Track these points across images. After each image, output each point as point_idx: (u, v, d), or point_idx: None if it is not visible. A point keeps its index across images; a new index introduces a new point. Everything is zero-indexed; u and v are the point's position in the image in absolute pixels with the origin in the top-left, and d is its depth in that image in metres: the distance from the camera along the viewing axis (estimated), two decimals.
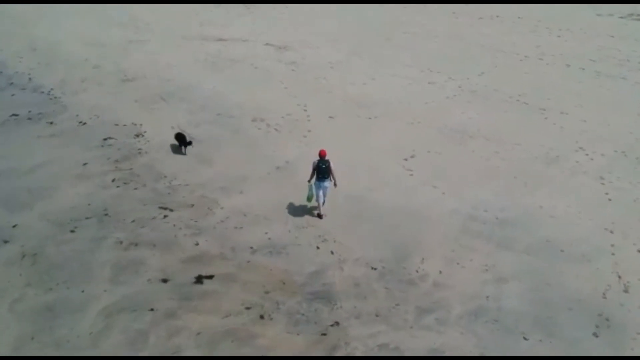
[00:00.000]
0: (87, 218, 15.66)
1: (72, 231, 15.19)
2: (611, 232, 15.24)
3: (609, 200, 16.56)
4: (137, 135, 20.20)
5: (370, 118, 21.45)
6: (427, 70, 25.68)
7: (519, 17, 32.35)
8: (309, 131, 20.52)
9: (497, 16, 32.67)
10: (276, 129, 20.65)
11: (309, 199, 16.00)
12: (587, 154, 18.85)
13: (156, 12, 33.89)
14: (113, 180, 17.46)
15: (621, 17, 32.26)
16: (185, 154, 19.15)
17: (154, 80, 24.64)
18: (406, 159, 18.72)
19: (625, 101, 22.47)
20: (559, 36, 29.49)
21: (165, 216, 15.93)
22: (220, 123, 21.11)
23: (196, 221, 15.68)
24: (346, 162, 18.24)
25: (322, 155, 15.50)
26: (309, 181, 15.79)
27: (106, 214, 15.87)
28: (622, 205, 16.31)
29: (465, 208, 16.24)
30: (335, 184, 15.73)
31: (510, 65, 26.17)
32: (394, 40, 29.45)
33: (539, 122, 20.97)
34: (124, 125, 20.87)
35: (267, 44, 29.07)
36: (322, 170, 15.47)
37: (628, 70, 25.18)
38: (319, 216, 15.98)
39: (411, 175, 17.89)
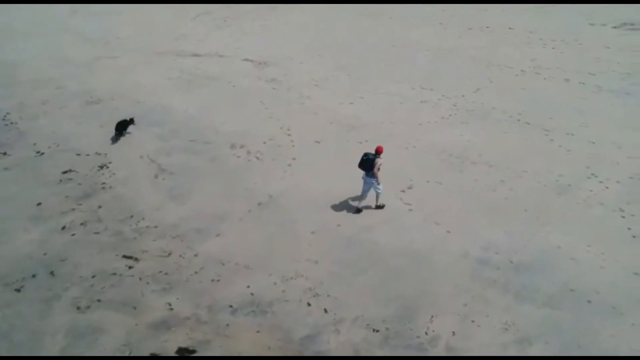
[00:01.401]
0: (34, 276, 13.20)
1: (17, 290, 12.73)
2: None
3: (633, 237, 14.53)
4: (102, 167, 17.81)
5: (360, 142, 19.23)
6: (418, 87, 23.56)
7: (509, 28, 30.42)
8: (294, 159, 18.27)
9: (487, 27, 30.71)
10: (257, 157, 18.37)
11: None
12: (600, 182, 16.83)
13: (129, 26, 31.36)
14: (71, 223, 15.01)
15: (615, 27, 30.48)
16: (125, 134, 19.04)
17: (123, 102, 22.21)
18: (404, 191, 16.57)
19: (633, 119, 20.53)
20: (553, 48, 27.58)
21: (130, 267, 13.60)
22: (195, 150, 18.77)
23: (166, 273, 13.38)
24: (337, 196, 16.07)
25: (379, 151, 15.27)
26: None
27: (61, 267, 13.43)
28: None
29: (474, 250, 14.11)
30: (378, 183, 15.39)
31: (506, 80, 24.15)
32: (382, 54, 27.31)
33: (544, 145, 18.93)
34: (87, 155, 18.47)
35: (245, 60, 26.76)
36: (362, 162, 15.24)
37: (630, 85, 23.28)
38: (358, 210, 15.68)
39: (410, 210, 15.72)
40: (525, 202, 15.92)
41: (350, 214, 15.54)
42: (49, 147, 18.85)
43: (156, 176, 17.33)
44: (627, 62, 25.67)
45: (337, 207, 15.87)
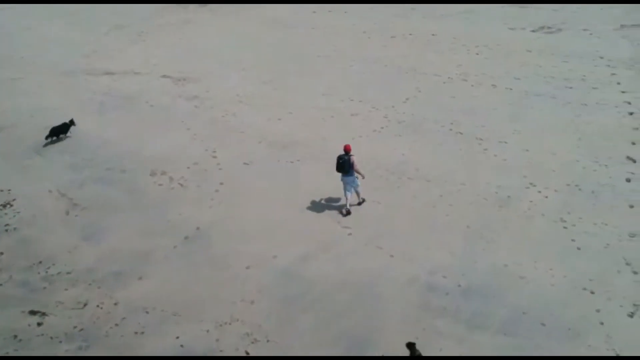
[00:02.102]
0: None
1: None
2: (592, 292, 12.66)
3: (578, 249, 14.02)
4: (4, 206, 15.82)
5: (292, 162, 18.06)
6: (347, 99, 22.61)
7: (432, 35, 30.09)
8: (222, 184, 16.86)
9: (410, 34, 30.27)
10: (181, 184, 16.83)
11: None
12: (539, 191, 16.35)
13: (35, 43, 28.82)
14: None
15: (533, 31, 30.75)
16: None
17: (27, 129, 20.06)
18: (341, 213, 15.47)
19: (562, 123, 20.35)
20: (477, 54, 27.38)
21: (39, 324, 11.83)
22: (111, 180, 17.03)
23: (82, 329, 11.68)
24: (271, 223, 14.80)
25: (347, 150, 15.31)
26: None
27: None
28: (594, 254, 13.81)
29: (421, 275, 13.20)
30: (362, 177, 15.66)
31: (435, 88, 23.59)
32: (308, 65, 26.25)
33: (480, 155, 18.37)
34: None
35: (164, 76, 25.02)
36: (339, 166, 15.19)
37: (555, 88, 23.24)
38: (348, 212, 15.53)
39: (350, 234, 14.65)
40: (467, 218, 15.18)
41: (286, 243, 14.28)
42: None
43: (67, 213, 15.50)
44: (548, 65, 25.74)
45: (272, 236, 14.59)
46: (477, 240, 14.33)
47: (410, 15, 33.74)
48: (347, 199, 15.59)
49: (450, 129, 20.04)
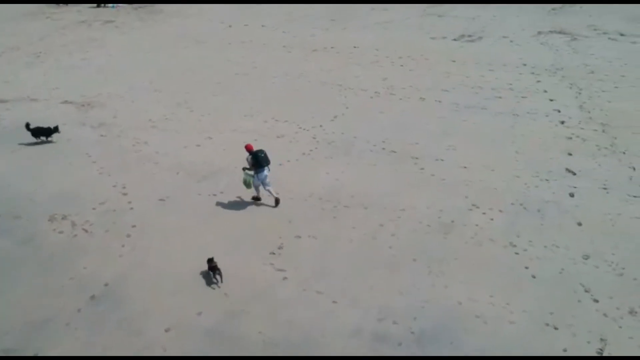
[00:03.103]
0: None
1: None
2: (555, 328, 11.42)
3: (533, 277, 12.82)
4: None
5: (215, 194, 16.04)
6: (271, 119, 20.83)
7: (354, 47, 28.88)
8: (134, 226, 14.59)
9: (332, 47, 28.92)
10: (86, 229, 14.42)
11: (248, 184, 15.30)
12: (484, 213, 15.16)
13: None
14: None
15: (454, 40, 30.21)
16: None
17: None
18: (273, 253, 13.61)
19: (496, 136, 19.47)
20: (402, 65, 26.36)
21: None
22: (2, 230, 14.35)
23: None
24: (193, 271, 12.77)
25: (250, 148, 15.08)
26: (245, 169, 15.27)
27: None
28: (550, 282, 12.65)
29: (368, 323, 11.52)
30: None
31: (362, 104, 22.25)
32: (226, 83, 24.29)
33: (416, 175, 17.05)
34: None
35: (65, 102, 22.32)
36: (263, 159, 14.87)
37: (484, 99, 22.47)
38: (258, 199, 15.65)
39: (285, 278, 12.80)
40: (412, 249, 13.70)
41: (211, 295, 12.25)
42: None
43: None
44: (475, 75, 25.07)
45: (195, 287, 12.51)
46: (425, 276, 12.84)
47: (330, 27, 32.52)
48: (271, 190, 15.36)
49: (383, 148, 18.67)
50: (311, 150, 18.54)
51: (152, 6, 38.00)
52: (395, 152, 18.41)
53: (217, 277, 12.47)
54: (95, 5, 37.80)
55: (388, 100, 22.62)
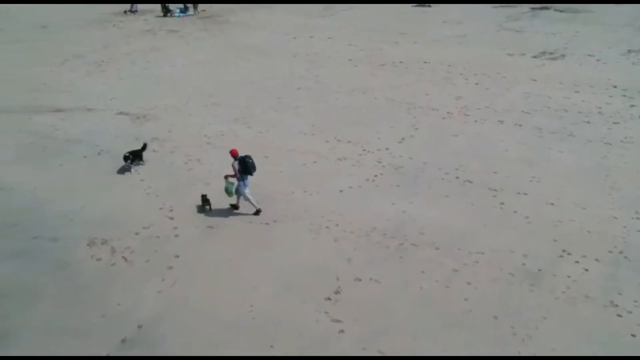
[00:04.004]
0: None
1: None
2: None
3: None
4: None
5: (266, 223, 14.35)
6: (333, 139, 19.04)
7: (425, 62, 26.77)
8: (177, 256, 13.08)
9: (401, 62, 26.92)
10: (125, 258, 13.01)
11: (230, 193, 14.44)
12: (577, 261, 12.81)
13: None
14: None
15: (534, 57, 27.60)
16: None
17: None
18: (329, 298, 11.77)
19: (587, 168, 16.98)
20: (477, 83, 24.06)
21: None
22: (37, 254, 13.15)
23: None
24: (239, 316, 11.07)
25: (236, 154, 14.25)
26: (227, 177, 14.37)
27: None
28: None
29: None
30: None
31: (433, 125, 20.15)
32: (287, 98, 22.70)
33: (495, 212, 14.83)
34: None
35: (120, 113, 21.27)
36: (251, 165, 14.11)
37: (571, 124, 19.92)
38: (258, 212, 14.65)
39: (342, 331, 10.91)
40: (492, 304, 11.55)
41: (256, 346, 10.51)
42: None
43: None
44: (558, 96, 22.49)
45: (238, 335, 10.82)
46: (508, 338, 10.67)
47: (399, 40, 30.51)
48: (252, 201, 14.61)
49: (457, 177, 16.52)
50: (376, 176, 16.61)
51: (218, 16, 37.11)
52: (470, 182, 16.24)
53: (207, 207, 14.54)
54: (162, 14, 37.25)
55: (462, 121, 20.42)
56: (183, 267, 12.67)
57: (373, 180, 16.43)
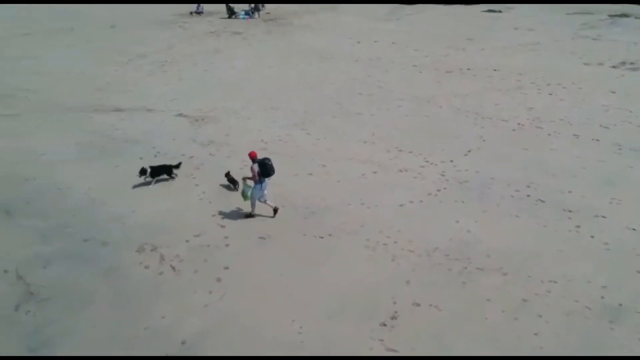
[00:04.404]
0: None
1: None
2: None
3: None
4: None
5: (321, 237, 13.57)
6: (394, 149, 18.10)
7: (495, 70, 25.39)
8: (227, 268, 12.47)
9: (468, 69, 25.65)
10: (173, 267, 12.50)
11: (246, 196, 14.03)
12: None
13: (42, 75, 25.28)
14: None
15: (613, 67, 25.76)
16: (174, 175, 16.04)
17: (3, 180, 16.21)
18: (384, 324, 10.87)
19: None
20: (550, 94, 22.56)
21: None
22: (86, 257, 12.82)
23: None
24: (288, 336, 10.36)
25: (254, 156, 13.84)
26: (246, 180, 13.99)
27: None
28: None
29: None
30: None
31: (502, 137, 18.90)
32: (347, 104, 21.90)
33: (571, 236, 13.52)
34: None
35: (179, 115, 21.00)
36: (270, 168, 13.66)
37: None
38: (252, 215, 14.24)
39: None
40: (567, 341, 10.35)
41: None
42: None
43: (17, 308, 11.33)
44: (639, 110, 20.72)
45: (294, 352, 10.08)
46: None
47: (466, 46, 29.19)
48: (263, 201, 14.07)
49: (528, 195, 15.28)
50: (439, 191, 15.56)
51: (282, 19, 36.74)
52: (543, 201, 14.96)
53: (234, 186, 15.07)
54: (226, 16, 37.21)
55: (534, 134, 19.07)
56: (232, 280, 12.04)
57: (436, 195, 15.38)
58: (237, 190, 14.82)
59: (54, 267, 12.48)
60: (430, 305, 11.28)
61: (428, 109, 21.46)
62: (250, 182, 13.96)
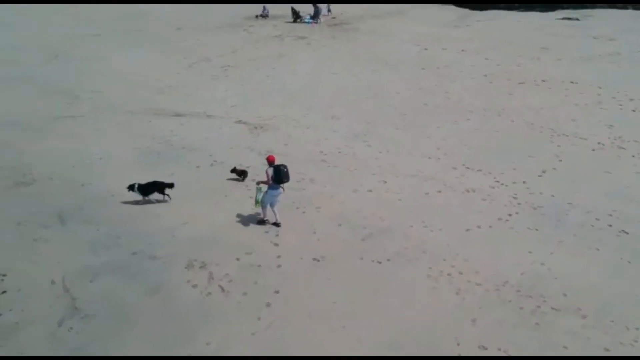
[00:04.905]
0: None
1: None
2: None
3: None
4: None
5: (379, 262, 12.56)
6: (461, 166, 16.88)
7: (572, 82, 23.59)
8: (277, 292, 11.66)
9: (543, 81, 23.95)
10: (222, 287, 11.79)
11: (257, 201, 13.79)
12: None
13: (109, 76, 25.32)
14: None
15: None
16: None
17: (61, 185, 15.94)
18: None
19: None
20: (634, 110, 20.70)
21: None
22: (133, 272, 12.28)
23: None
24: None
25: (272, 160, 13.40)
26: (259, 184, 13.77)
27: None
28: None
29: None
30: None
31: (581, 158, 17.34)
32: (412, 115, 20.79)
33: None
34: None
35: (238, 122, 20.43)
36: (284, 174, 13.25)
37: None
38: (264, 222, 13.87)
39: None
40: None
41: None
42: None
43: (60, 323, 10.86)
44: None
45: None
46: None
47: (541, 56, 27.40)
48: (275, 213, 13.68)
49: (610, 225, 13.77)
50: (510, 216, 14.26)
51: (347, 24, 35.82)
52: (627, 232, 13.45)
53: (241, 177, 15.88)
54: (292, 19, 36.63)
55: (615, 155, 17.42)
56: (282, 306, 11.21)
57: (507, 221, 14.09)
58: (242, 180, 15.78)
59: (101, 280, 12.00)
60: (499, 349, 10.09)
61: (499, 122, 20.06)
62: (264, 187, 13.56)
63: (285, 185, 13.73)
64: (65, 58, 27.85)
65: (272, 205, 13.60)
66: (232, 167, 16.16)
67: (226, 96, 23.00)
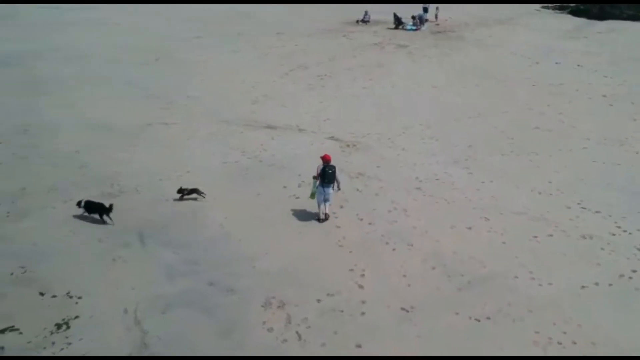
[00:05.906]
0: None
1: None
2: None
3: None
4: (59, 326, 10.97)
5: (477, 320, 10.95)
6: (576, 205, 14.84)
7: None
8: (359, 346, 10.40)
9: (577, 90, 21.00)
10: (299, 334, 10.69)
11: (313, 195, 14.13)
12: None
13: (206, 82, 25.02)
14: None
15: None
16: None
17: (146, 198, 15.51)
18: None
19: None
20: None
21: None
22: (208, 306, 11.43)
23: None
24: None
25: (327, 160, 13.90)
26: (315, 177, 13.95)
27: None
28: None
29: None
30: (339, 187, 14.21)
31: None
32: (520, 140, 18.79)
33: None
34: (53, 296, 11.71)
35: (331, 138, 19.30)
36: (328, 176, 13.67)
37: None
38: (319, 220, 14.05)
39: None
40: None
41: None
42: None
43: None
44: None
45: None
46: None
47: None
48: (325, 207, 14.03)
49: None
50: (634, 272, 12.14)
51: (452, 31, 33.80)
52: None
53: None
54: (393, 26, 35.09)
55: None
56: None
57: (630, 278, 12.00)
58: (204, 197, 15.10)
59: (173, 314, 11.23)
60: None
61: (620, 154, 17.64)
62: (317, 182, 13.96)
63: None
64: (165, 60, 27.93)
65: (321, 202, 13.92)
66: (179, 188, 15.09)
67: (320, 108, 21.96)
